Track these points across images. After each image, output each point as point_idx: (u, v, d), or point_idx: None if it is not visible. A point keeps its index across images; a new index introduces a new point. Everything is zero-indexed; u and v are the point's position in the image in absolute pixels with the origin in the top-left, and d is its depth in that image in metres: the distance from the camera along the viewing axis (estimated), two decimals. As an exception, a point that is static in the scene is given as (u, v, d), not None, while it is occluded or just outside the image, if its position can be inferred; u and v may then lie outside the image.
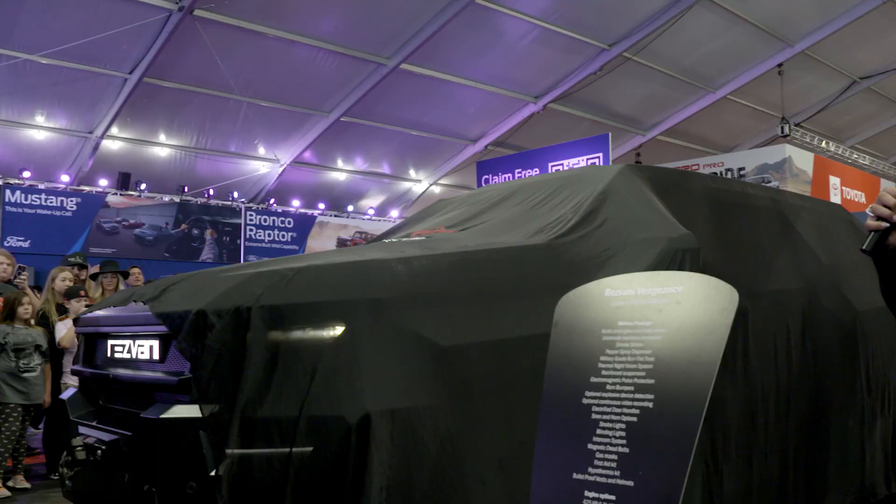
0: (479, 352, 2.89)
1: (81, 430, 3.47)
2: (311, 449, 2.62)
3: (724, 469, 3.75)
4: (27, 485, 6.79)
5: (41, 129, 14.70)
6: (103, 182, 15.91)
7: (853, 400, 4.68)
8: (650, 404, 2.03)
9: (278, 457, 2.64)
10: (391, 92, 15.97)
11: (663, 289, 2.13)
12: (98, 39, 12.32)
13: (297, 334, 2.76)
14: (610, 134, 16.21)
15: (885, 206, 1.76)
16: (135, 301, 3.16)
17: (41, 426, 7.78)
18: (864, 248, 1.79)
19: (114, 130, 15.19)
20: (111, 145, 15.62)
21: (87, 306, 6.53)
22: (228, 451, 2.69)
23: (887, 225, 1.76)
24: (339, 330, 2.76)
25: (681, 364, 2.01)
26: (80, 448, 3.27)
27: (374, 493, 2.62)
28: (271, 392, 2.68)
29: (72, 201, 15.48)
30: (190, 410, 2.77)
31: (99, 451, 3.13)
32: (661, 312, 2.10)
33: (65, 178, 15.51)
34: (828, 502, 4.47)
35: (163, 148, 16.25)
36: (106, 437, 3.17)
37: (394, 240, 4.20)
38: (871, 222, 1.78)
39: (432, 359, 2.79)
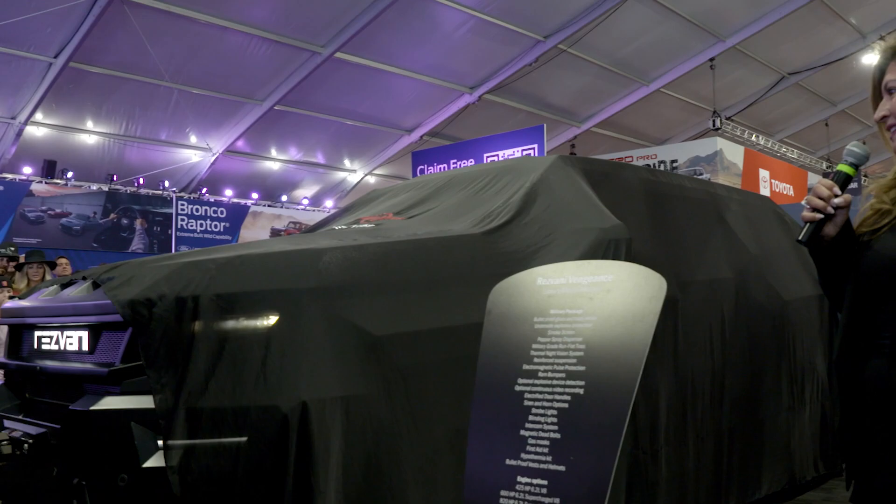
0: (414, 341, 2.91)
1: (7, 423, 3.38)
2: (245, 438, 2.61)
3: (660, 454, 3.85)
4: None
5: (-40, 115, 14.22)
6: (27, 170, 15.44)
7: (781, 386, 4.83)
8: (581, 390, 2.07)
9: (215, 447, 2.62)
10: (326, 81, 15.84)
11: (594, 277, 2.17)
12: (21, 21, 11.92)
13: (237, 323, 2.75)
14: (545, 125, 16.38)
15: (820, 197, 1.85)
16: (87, 279, 3.11)
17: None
18: (800, 238, 1.87)
19: (38, 116, 14.74)
20: (35, 132, 15.16)
21: (10, 297, 6.35)
22: (167, 441, 2.67)
23: (822, 216, 1.85)
24: (274, 319, 2.75)
25: (611, 351, 2.06)
26: (5, 442, 3.19)
27: (311, 481, 2.62)
28: (210, 381, 2.66)
29: (-6, 189, 15.02)
30: (121, 402, 2.74)
31: (26, 445, 3.05)
32: (591, 300, 2.14)
33: (-14, 165, 15.03)
34: (762, 486, 4.62)
35: (90, 135, 15.84)
36: (33, 430, 3.10)
37: (343, 227, 4.18)
38: (807, 213, 1.87)
39: (368, 348, 2.80)
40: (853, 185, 2.26)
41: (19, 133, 14.65)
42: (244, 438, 2.61)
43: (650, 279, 2.09)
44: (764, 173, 17.92)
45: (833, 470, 5.25)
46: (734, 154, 16.85)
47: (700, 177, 15.10)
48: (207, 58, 14.46)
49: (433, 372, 2.93)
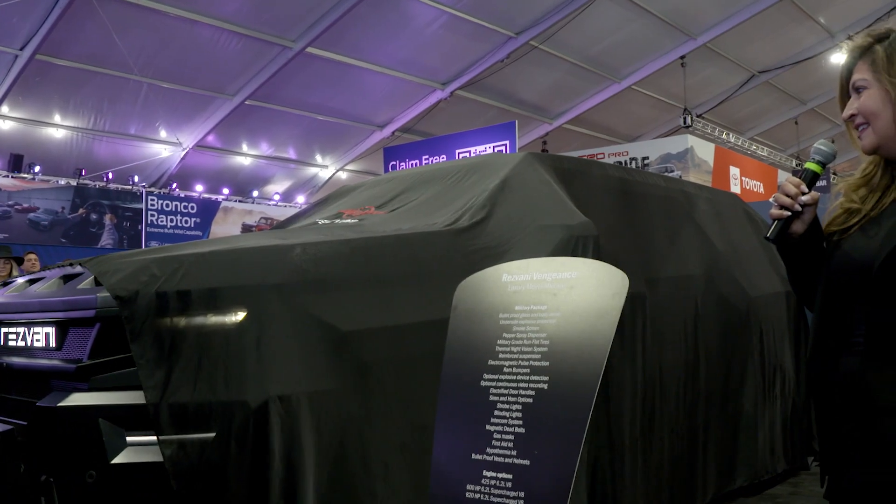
0: (381, 337, 2.93)
1: (-28, 420, 3.36)
2: (213, 434, 2.62)
3: (633, 447, 3.90)
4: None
5: (-76, 108, 14.01)
6: (-7, 164, 15.27)
7: (749, 383, 4.90)
8: (545, 385, 2.10)
9: (182, 443, 2.63)
10: (297, 76, 15.79)
11: (558, 274, 2.21)
12: (-13, 13, 11.80)
13: (204, 318, 2.76)
14: (517, 122, 16.44)
15: (788, 195, 1.88)
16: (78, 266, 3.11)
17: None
18: (767, 236, 1.91)
19: (4, 109, 14.56)
20: (2, 125, 14.98)
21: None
22: (130, 438, 2.68)
23: (789, 213, 1.88)
24: (241, 315, 2.76)
25: (574, 346, 2.09)
26: (-29, 439, 3.17)
27: (278, 477, 2.63)
28: (176, 377, 2.66)
29: (-41, 184, 14.81)
30: (89, 398, 2.73)
31: (-8, 442, 3.04)
32: (555, 297, 2.18)
33: (-49, 158, 14.82)
34: (733, 479, 4.69)
35: (58, 129, 15.67)
36: (0, 427, 3.09)
37: (326, 221, 4.18)
38: (775, 211, 1.89)
39: (334, 344, 2.82)
40: (822, 183, 2.31)
41: (-15, 127, 14.49)
42: (212, 434, 2.62)
43: (613, 276, 2.13)
44: (734, 170, 18.11)
45: (801, 464, 5.35)
46: (705, 151, 17.02)
47: (671, 174, 15.25)
48: (177, 51, 14.36)
49: (401, 367, 2.96)
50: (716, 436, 4.58)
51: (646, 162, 16.43)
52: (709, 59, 18.92)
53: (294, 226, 4.49)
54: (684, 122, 18.71)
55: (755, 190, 18.68)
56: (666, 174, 14.12)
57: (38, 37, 12.78)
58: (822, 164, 1.98)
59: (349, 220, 4.05)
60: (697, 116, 19.81)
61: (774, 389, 5.16)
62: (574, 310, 2.13)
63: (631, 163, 16.39)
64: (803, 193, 1.91)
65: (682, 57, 18.19)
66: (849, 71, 1.95)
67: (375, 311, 2.99)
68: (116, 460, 2.64)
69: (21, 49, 13.12)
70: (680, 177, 15.05)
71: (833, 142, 2.04)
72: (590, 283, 2.15)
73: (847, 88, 1.96)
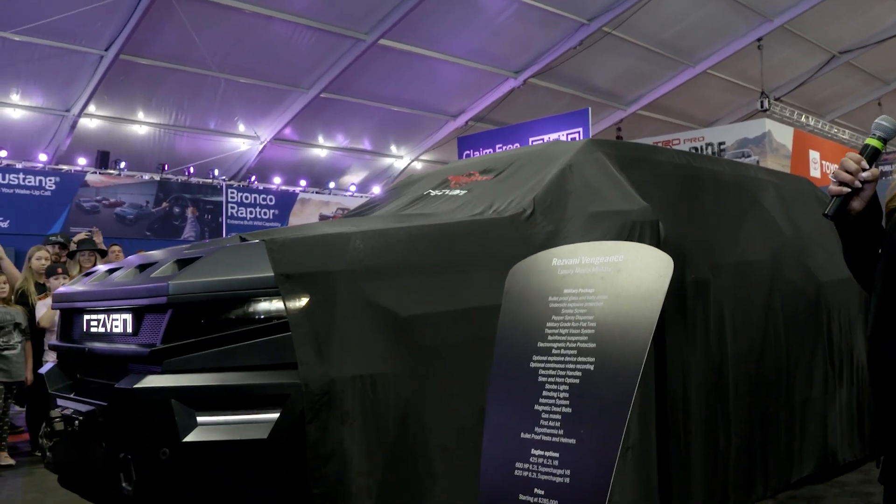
0: (440, 322, 3.00)
1: (60, 402, 3.57)
2: (277, 415, 2.74)
3: (690, 436, 3.89)
4: (12, 461, 6.88)
5: (17, 108, 14.61)
6: (82, 161, 15.85)
7: (817, 369, 4.82)
8: (591, 367, 2.15)
9: (246, 424, 2.76)
10: (370, 67, 15.97)
11: (606, 257, 2.25)
12: (72, 15, 12.25)
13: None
14: (590, 109, 16.28)
15: (847, 171, 1.85)
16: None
17: (24, 405, 7.86)
18: (826, 213, 1.89)
19: (91, 108, 15.12)
20: (89, 123, 15.56)
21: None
22: (201, 418, 2.82)
23: (849, 190, 1.85)
24: (306, 300, 2.87)
25: (620, 328, 2.13)
26: (58, 419, 3.38)
27: (339, 458, 2.74)
28: (242, 358, 2.80)
29: (50, 181, 15.43)
30: (162, 380, 2.88)
31: (76, 422, 3.23)
32: (603, 280, 2.22)
33: (42, 157, 15.44)
34: (799, 468, 4.63)
35: (141, 126, 16.20)
36: (83, 408, 3.27)
37: (437, 192, 4.32)
38: (833, 187, 1.87)
39: (394, 329, 2.90)
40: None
41: (73, 125, 15.06)
42: (275, 415, 2.74)
43: (658, 259, 2.16)
44: (814, 154, 17.61)
45: (871, 452, 5.23)
46: (783, 135, 16.59)
47: (748, 159, 14.92)
48: (253, 47, 14.69)
49: (458, 352, 3.03)
50: (784, 423, 4.53)
51: (722, 147, 16.12)
52: (786, 40, 18.39)
53: (385, 209, 4.55)
54: (761, 106, 18.25)
55: (837, 174, 18.10)
56: (741, 160, 13.83)
57: (121, 38, 13.24)
58: (884, 141, 1.94)
59: (457, 191, 4.17)
60: (775, 100, 19.30)
61: (844, 376, 5.06)
62: (620, 292, 2.17)
63: (707, 148, 16.10)
64: (864, 170, 1.88)
65: (759, 39, 17.73)
66: None
67: (435, 296, 3.07)
68: (188, 439, 2.78)
69: (106, 50, 13.61)
70: (757, 162, 14.73)
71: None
72: (636, 265, 2.18)
73: None
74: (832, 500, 4.45)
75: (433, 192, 4.35)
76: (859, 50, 19.65)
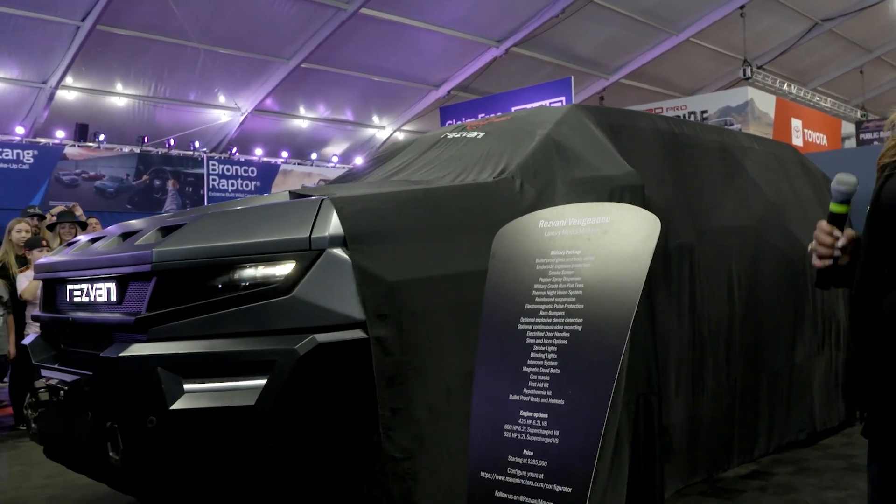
0: (428, 286, 2.99)
1: (44, 373, 3.54)
2: (264, 382, 2.74)
3: (674, 399, 3.92)
4: (-5, 435, 6.86)
5: (-8, 80, 14.45)
6: (60, 134, 15.67)
7: (802, 335, 4.86)
8: (579, 328, 2.15)
9: (232, 391, 2.76)
10: (352, 37, 15.84)
11: (592, 219, 2.24)
12: (47, -15, 12.08)
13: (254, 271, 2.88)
14: (573, 77, 16.23)
15: (824, 245, 1.89)
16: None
17: (6, 379, 7.81)
18: (816, 285, 1.95)
19: (68, 80, 14.93)
20: (66, 95, 15.37)
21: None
22: (187, 385, 2.81)
23: (831, 263, 1.89)
24: (290, 266, 2.86)
25: (607, 289, 2.13)
26: (43, 390, 3.35)
27: (326, 421, 2.75)
28: (228, 326, 2.79)
29: (29, 154, 15.25)
30: (148, 348, 2.87)
31: (62, 392, 3.21)
32: (589, 241, 2.21)
33: (20, 129, 15.25)
34: (784, 434, 4.67)
35: (120, 98, 16.03)
36: (68, 378, 3.25)
37: (456, 135, 4.37)
38: (817, 262, 1.91)
39: (382, 292, 2.89)
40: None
41: (51, 97, 14.87)
42: (263, 381, 2.73)
43: (645, 220, 2.16)
44: (796, 122, 17.65)
45: (855, 416, 5.30)
46: (766, 104, 16.61)
47: (731, 127, 14.94)
48: (232, 17, 14.52)
49: (445, 315, 3.02)
50: (767, 388, 4.57)
51: (705, 116, 16.13)
52: (769, 8, 18.38)
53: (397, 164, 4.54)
54: (744, 74, 18.27)
55: (818, 142, 18.19)
56: (725, 127, 13.84)
57: (97, 7, 13.04)
58: (847, 201, 1.96)
59: (475, 133, 4.24)
60: (758, 68, 19.33)
61: (829, 340, 5.11)
62: (607, 254, 2.17)
63: (690, 117, 16.10)
64: (837, 238, 1.90)
65: (742, 7, 17.71)
66: None
67: (423, 260, 3.05)
68: (175, 406, 2.77)
69: (82, 20, 13.41)
70: (740, 130, 14.75)
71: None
72: (623, 227, 2.18)
73: None
74: (815, 463, 4.50)
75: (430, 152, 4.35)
76: (841, 18, 19.67)
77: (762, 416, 4.54)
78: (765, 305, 4.60)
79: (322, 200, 3.03)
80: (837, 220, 1.94)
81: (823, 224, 1.94)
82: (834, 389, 5.14)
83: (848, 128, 21.42)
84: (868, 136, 20.96)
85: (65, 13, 13.24)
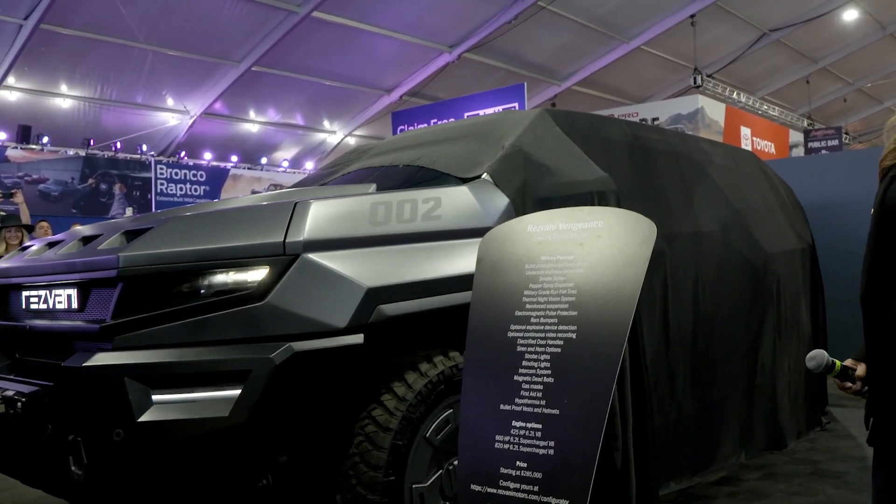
0: (403, 291, 2.92)
1: (-2, 384, 3.37)
2: (238, 392, 2.64)
3: (651, 403, 3.89)
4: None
5: (-72, 80, 13.96)
6: (1, 135, 15.21)
7: (766, 340, 4.88)
8: (573, 335, 2.10)
9: (204, 401, 2.65)
10: (303, 41, 15.68)
11: (584, 223, 2.19)
12: (-12, -18, 11.72)
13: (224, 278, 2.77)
14: (525, 84, 16.30)
15: (853, 392, 2.03)
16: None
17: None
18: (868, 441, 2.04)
19: (10, 80, 14.50)
20: (8, 96, 14.93)
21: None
22: (156, 396, 2.69)
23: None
24: (264, 272, 2.76)
25: (602, 295, 2.08)
26: (-3, 402, 3.19)
27: (301, 432, 2.65)
28: (199, 334, 2.69)
29: (-32, 156, 14.79)
30: (113, 357, 2.74)
31: (19, 404, 3.05)
32: (582, 246, 2.16)
33: (-41, 131, 14.79)
34: (754, 438, 4.68)
35: (65, 99, 15.62)
36: (26, 389, 3.10)
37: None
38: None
39: (360, 298, 2.82)
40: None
41: (-8, 97, 14.45)
42: (237, 391, 2.63)
43: (640, 224, 2.11)
44: (745, 130, 18.00)
45: (816, 421, 5.36)
46: (715, 112, 16.89)
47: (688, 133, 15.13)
48: (181, 18, 14.26)
49: (422, 322, 2.96)
50: (737, 395, 4.58)
51: (656, 123, 16.31)
52: (719, 17, 18.69)
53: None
54: (694, 83, 18.54)
55: (766, 150, 18.56)
56: (688, 133, 14.01)
57: (41, 6, 12.69)
58: (829, 368, 2.03)
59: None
60: (708, 76, 19.62)
61: (791, 345, 5.15)
62: (601, 259, 2.12)
63: (641, 124, 16.27)
64: (855, 385, 2.01)
65: (692, 16, 17.97)
66: None
67: (399, 266, 2.98)
68: (143, 418, 2.65)
69: (25, 18, 13.03)
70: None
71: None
72: (616, 231, 2.13)
73: None
74: (782, 468, 4.52)
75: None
76: (789, 28, 20.09)
77: (732, 424, 4.54)
78: (732, 309, 4.62)
79: (296, 204, 2.94)
80: (842, 375, 2.04)
81: (837, 383, 2.05)
82: (796, 395, 5.18)
83: (795, 136, 21.88)
84: (816, 144, 21.41)
85: (7, 11, 12.85)
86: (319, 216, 2.93)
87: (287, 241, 2.82)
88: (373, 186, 3.64)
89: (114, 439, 2.67)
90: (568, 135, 3.99)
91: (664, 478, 3.98)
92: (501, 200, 3.41)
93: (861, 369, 1.96)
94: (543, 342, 2.14)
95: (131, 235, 2.99)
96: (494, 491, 2.14)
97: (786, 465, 4.59)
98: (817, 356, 2.01)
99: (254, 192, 18.71)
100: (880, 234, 1.82)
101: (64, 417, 2.86)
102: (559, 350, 2.11)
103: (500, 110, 15.78)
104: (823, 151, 20.05)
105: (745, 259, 4.83)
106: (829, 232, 6.77)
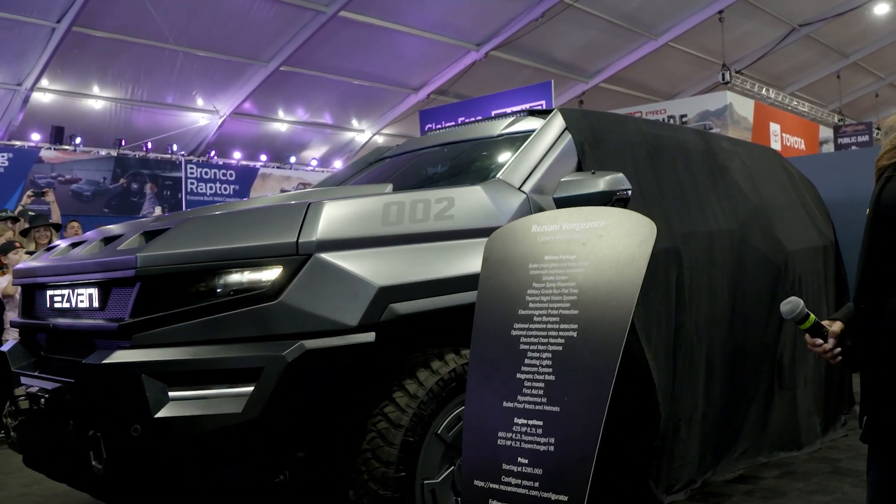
0: (416, 290, 2.97)
1: (24, 380, 3.47)
2: (251, 389, 2.70)
3: (656, 401, 3.89)
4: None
5: (-34, 82, 14.24)
6: (36, 136, 15.47)
7: (787, 337, 4.86)
8: (574, 333, 2.13)
9: (219, 398, 2.71)
10: (331, 40, 15.77)
11: (587, 223, 2.22)
12: (23, -14, 11.93)
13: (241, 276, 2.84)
14: (553, 81, 16.26)
15: (821, 352, 1.96)
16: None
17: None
18: (848, 370, 1.98)
19: (44, 82, 14.75)
20: (42, 98, 15.18)
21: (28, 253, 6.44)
22: (172, 392, 2.76)
23: (841, 358, 1.96)
24: (278, 271, 2.82)
25: (603, 294, 2.11)
26: (23, 398, 3.28)
27: (314, 428, 2.71)
28: (214, 332, 2.75)
29: (3, 157, 15.02)
30: (131, 355, 2.81)
31: (42, 400, 3.14)
32: (584, 246, 2.19)
33: (-5, 132, 15.07)
34: (772, 438, 4.67)
35: (97, 100, 15.86)
36: (49, 385, 3.19)
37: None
38: (833, 361, 1.98)
39: (372, 297, 2.87)
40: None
41: (26, 99, 14.68)
42: (250, 388, 2.69)
43: (640, 224, 2.14)
44: (775, 127, 17.78)
45: (835, 419, 5.32)
46: (744, 108, 16.72)
47: (710, 130, 15.02)
48: (211, 19, 14.41)
49: (434, 320, 3.00)
50: (753, 391, 4.56)
51: (684, 120, 16.20)
52: (747, 13, 18.51)
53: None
54: (723, 79, 18.38)
55: (796, 147, 18.34)
56: (707, 130, 13.91)
57: (73, 9, 12.89)
58: (804, 318, 1.98)
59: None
60: (736, 72, 19.45)
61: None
62: (602, 258, 2.15)
63: (669, 121, 16.17)
64: (826, 343, 1.96)
65: (720, 11, 17.82)
66: None
67: (411, 266, 3.03)
68: (159, 414, 2.72)
69: (58, 22, 13.25)
70: (718, 133, 14.83)
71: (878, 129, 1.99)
72: (618, 231, 2.16)
73: None
74: (801, 466, 4.51)
75: None
76: (819, 23, 19.83)
77: (752, 424, 4.52)
78: (750, 309, 4.60)
79: (309, 205, 2.99)
80: (814, 330, 1.97)
81: (808, 339, 1.99)
82: (817, 391, 5.14)
83: (825, 132, 21.60)
84: (846, 140, 21.14)
85: (40, 14, 13.07)
86: (332, 217, 2.98)
87: (300, 241, 2.88)
88: (389, 186, 3.69)
89: (132, 434, 2.75)
90: (584, 134, 4.01)
91: (679, 475, 3.99)
92: (515, 200, 3.45)
93: (836, 327, 1.93)
94: (545, 340, 2.17)
95: (150, 236, 3.06)
96: (497, 487, 2.18)
97: (804, 463, 4.58)
98: (793, 301, 1.96)
99: (282, 191, 18.88)
100: (875, 234, 1.83)
101: (85, 413, 2.95)
102: (560, 348, 2.14)
103: (528, 108, 15.77)
104: (853, 147, 19.79)
105: (765, 256, 4.81)
106: (854, 228, 6.70)
